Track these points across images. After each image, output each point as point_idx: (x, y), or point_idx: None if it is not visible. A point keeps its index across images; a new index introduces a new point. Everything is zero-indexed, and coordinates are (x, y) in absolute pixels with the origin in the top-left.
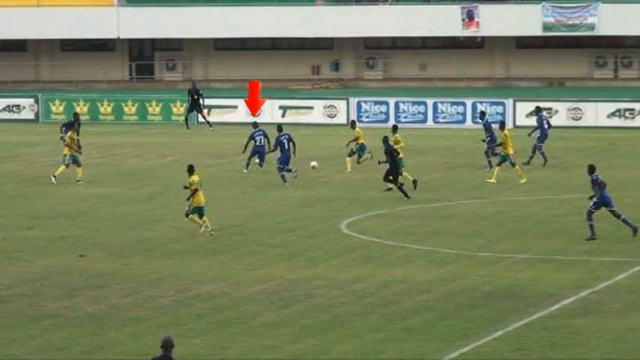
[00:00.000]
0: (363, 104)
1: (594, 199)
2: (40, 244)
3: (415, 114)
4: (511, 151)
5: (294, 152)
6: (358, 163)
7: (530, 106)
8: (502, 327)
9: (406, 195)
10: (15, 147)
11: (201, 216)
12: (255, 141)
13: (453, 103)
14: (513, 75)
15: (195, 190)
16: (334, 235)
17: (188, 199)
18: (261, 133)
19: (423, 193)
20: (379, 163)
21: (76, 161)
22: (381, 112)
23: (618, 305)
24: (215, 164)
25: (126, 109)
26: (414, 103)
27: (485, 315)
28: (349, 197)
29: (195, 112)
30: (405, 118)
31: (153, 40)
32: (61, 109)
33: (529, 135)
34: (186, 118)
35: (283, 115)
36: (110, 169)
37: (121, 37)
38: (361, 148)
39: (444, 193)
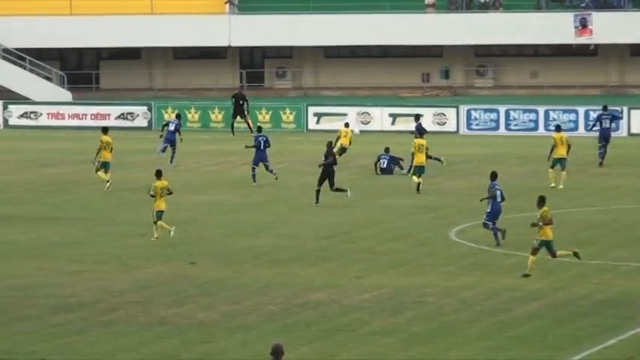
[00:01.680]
0: (472, 112)
1: None
2: (152, 252)
3: (526, 122)
4: (556, 155)
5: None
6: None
7: None
8: (614, 335)
9: (317, 200)
10: (129, 154)
11: (159, 218)
12: (259, 145)
13: (564, 111)
14: (628, 82)
15: (153, 196)
16: (443, 242)
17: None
18: (265, 138)
19: (534, 201)
20: (319, 166)
21: (105, 166)
22: (491, 120)
23: None
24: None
25: None
26: (524, 110)
27: (597, 323)
28: (457, 205)
29: (238, 117)
30: (515, 125)
31: (263, 48)
32: (173, 116)
33: (590, 129)
34: (232, 125)
35: (393, 123)
36: (220, 176)
37: (232, 44)
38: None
39: (554, 201)
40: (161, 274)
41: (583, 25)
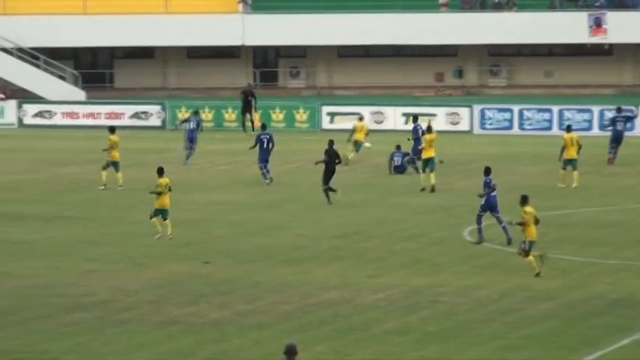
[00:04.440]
0: (486, 111)
1: None
2: (165, 251)
3: (540, 121)
4: (567, 156)
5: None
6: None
7: None
8: (629, 335)
9: (329, 200)
10: (142, 153)
11: (164, 219)
12: (262, 143)
13: (579, 111)
14: None
15: (160, 193)
16: (457, 242)
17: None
18: (268, 136)
19: (548, 200)
20: (315, 163)
21: (115, 166)
22: (504, 120)
23: None
24: (338, 170)
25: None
26: (538, 110)
27: (611, 323)
28: (469, 204)
29: (247, 114)
30: (529, 125)
31: (277, 47)
32: (187, 115)
33: (604, 128)
34: (243, 123)
35: (406, 122)
36: (234, 175)
37: (246, 44)
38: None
39: (569, 200)
40: (175, 274)
41: (597, 24)
